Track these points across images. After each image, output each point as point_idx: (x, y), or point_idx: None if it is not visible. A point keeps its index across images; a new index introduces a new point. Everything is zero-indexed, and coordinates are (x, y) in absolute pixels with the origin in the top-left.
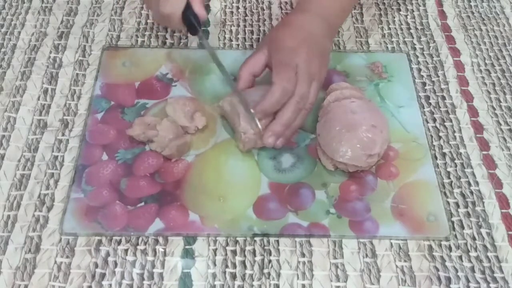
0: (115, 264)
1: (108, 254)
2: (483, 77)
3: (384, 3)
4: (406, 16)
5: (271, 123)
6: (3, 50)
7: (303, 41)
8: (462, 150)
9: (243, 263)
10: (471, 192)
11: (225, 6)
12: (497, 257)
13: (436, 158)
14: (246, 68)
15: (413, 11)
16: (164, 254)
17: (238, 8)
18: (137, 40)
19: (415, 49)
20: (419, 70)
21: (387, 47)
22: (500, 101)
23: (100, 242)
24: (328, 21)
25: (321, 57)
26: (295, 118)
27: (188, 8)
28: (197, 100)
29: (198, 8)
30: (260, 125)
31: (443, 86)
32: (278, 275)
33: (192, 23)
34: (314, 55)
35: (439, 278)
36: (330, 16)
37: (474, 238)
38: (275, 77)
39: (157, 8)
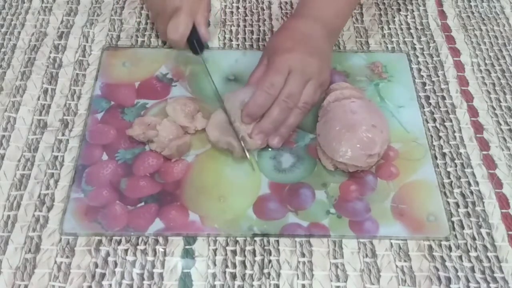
0: (115, 264)
1: (108, 254)
2: (483, 77)
3: (384, 3)
4: (406, 16)
5: (259, 121)
6: (3, 50)
7: (300, 41)
8: (462, 150)
9: (243, 263)
10: (471, 192)
11: (225, 6)
12: (497, 257)
13: (436, 158)
14: (252, 82)
15: (413, 11)
16: (164, 254)
17: (238, 8)
18: (137, 40)
19: (415, 49)
20: (419, 70)
21: (387, 47)
22: (500, 101)
23: (100, 242)
24: (326, 25)
25: (319, 58)
26: (284, 117)
27: (193, 30)
28: (197, 100)
29: (203, 32)
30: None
31: (443, 86)
32: (278, 275)
33: (195, 45)
34: (310, 55)
35: (439, 278)
36: (328, 20)
37: (474, 238)
38: (261, 81)
39: (164, 32)
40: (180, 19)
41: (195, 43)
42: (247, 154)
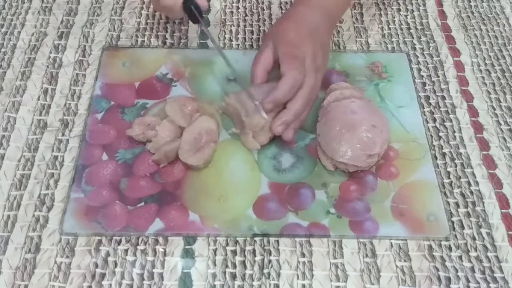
0: (115, 264)
1: (108, 254)
2: (483, 77)
3: (384, 3)
4: (406, 16)
5: (282, 112)
6: (3, 50)
7: (307, 34)
8: (462, 150)
9: (243, 263)
10: (471, 192)
11: (225, 6)
12: (497, 257)
13: (436, 158)
14: (259, 65)
15: (413, 11)
16: (164, 254)
17: (238, 8)
18: (137, 40)
19: (415, 49)
20: (419, 70)
21: (387, 47)
22: (500, 101)
23: (100, 242)
24: (328, 14)
25: (323, 50)
26: (304, 109)
27: None
28: (197, 100)
29: None
30: (266, 116)
31: (443, 86)
32: (278, 275)
33: (193, 12)
34: (318, 48)
35: (439, 278)
36: (330, 9)
37: (474, 238)
38: (285, 68)
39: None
40: None
41: (193, 8)
42: (266, 116)
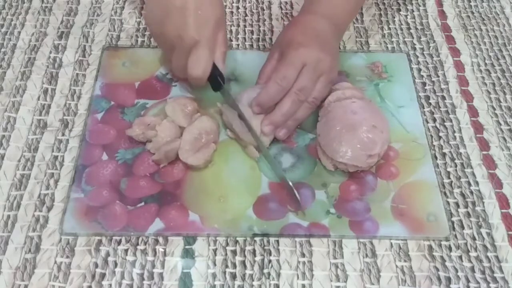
0: (115, 264)
1: (108, 254)
2: (483, 77)
3: (384, 3)
4: (406, 16)
5: (271, 113)
6: (3, 50)
7: (314, 38)
8: (462, 150)
9: (243, 263)
10: (471, 192)
11: (225, 6)
12: (497, 257)
13: (436, 158)
14: (263, 76)
15: (413, 11)
16: (164, 254)
17: (238, 8)
18: (137, 40)
19: (415, 49)
20: (419, 70)
21: (387, 47)
22: (500, 101)
23: (100, 242)
24: (335, 22)
25: (331, 55)
26: (294, 110)
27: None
28: (197, 101)
29: (222, 68)
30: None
31: (443, 86)
32: (278, 275)
33: (218, 81)
34: (324, 52)
35: (439, 278)
36: (337, 18)
37: (474, 238)
38: (274, 74)
39: (183, 69)
40: (201, 54)
41: (218, 78)
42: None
